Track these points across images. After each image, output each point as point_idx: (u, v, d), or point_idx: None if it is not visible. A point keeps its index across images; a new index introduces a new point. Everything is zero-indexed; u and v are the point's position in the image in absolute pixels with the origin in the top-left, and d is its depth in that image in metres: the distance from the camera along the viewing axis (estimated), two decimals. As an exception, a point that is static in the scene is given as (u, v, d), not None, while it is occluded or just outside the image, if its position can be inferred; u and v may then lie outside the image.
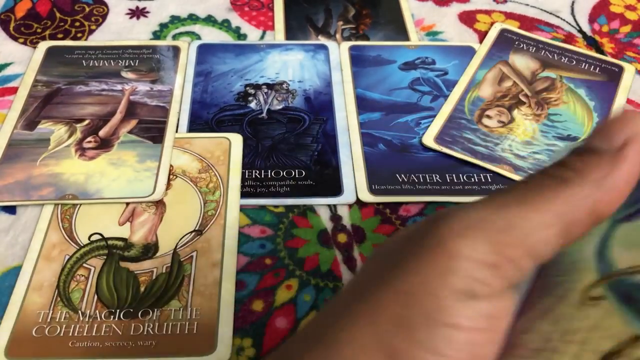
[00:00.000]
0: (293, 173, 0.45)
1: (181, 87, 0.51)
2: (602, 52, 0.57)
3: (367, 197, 0.43)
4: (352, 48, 0.56)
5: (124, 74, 0.52)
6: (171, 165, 0.44)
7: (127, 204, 0.42)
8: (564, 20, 0.61)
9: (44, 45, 0.54)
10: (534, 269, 0.18)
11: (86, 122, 0.47)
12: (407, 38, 0.58)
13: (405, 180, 0.44)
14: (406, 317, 0.17)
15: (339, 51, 0.55)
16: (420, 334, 0.17)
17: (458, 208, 0.19)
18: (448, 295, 0.17)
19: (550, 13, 0.62)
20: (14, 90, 0.50)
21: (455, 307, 0.17)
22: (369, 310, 0.18)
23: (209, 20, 0.59)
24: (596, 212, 0.18)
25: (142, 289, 0.37)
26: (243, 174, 0.44)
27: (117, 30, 0.57)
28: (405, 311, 0.17)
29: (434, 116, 0.49)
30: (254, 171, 0.45)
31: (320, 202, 0.43)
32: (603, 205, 0.18)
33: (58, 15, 0.58)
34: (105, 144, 0.46)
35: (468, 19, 0.60)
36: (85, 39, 0.56)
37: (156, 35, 0.57)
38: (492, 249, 0.17)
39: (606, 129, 0.19)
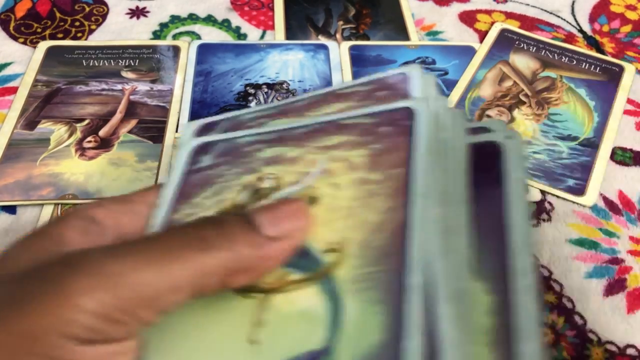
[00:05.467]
0: (293, 173, 0.45)
1: (181, 86, 0.51)
2: (602, 52, 0.57)
3: (367, 197, 0.43)
4: (352, 48, 0.56)
5: (124, 73, 0.52)
6: (171, 165, 0.44)
7: (127, 203, 0.42)
8: (564, 20, 0.61)
9: (44, 45, 0.54)
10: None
11: (86, 121, 0.47)
12: (407, 38, 0.58)
13: (406, 180, 0.44)
14: (25, 357, 0.18)
15: (339, 51, 0.55)
16: None
17: (89, 256, 0.20)
18: (68, 341, 0.18)
19: (551, 13, 0.62)
20: (14, 90, 0.50)
21: (75, 350, 0.18)
22: None
23: (209, 20, 0.59)
24: (228, 283, 0.21)
25: (142, 289, 0.37)
26: (243, 173, 0.44)
27: (117, 30, 0.57)
28: (23, 353, 0.18)
29: (434, 116, 0.49)
30: (254, 171, 0.44)
31: (320, 202, 0.43)
32: (237, 278, 0.21)
33: (58, 15, 0.58)
34: (105, 144, 0.46)
35: (468, 18, 0.60)
36: (85, 39, 0.56)
37: (156, 35, 0.57)
38: (114, 305, 0.19)
39: (274, 214, 0.22)
